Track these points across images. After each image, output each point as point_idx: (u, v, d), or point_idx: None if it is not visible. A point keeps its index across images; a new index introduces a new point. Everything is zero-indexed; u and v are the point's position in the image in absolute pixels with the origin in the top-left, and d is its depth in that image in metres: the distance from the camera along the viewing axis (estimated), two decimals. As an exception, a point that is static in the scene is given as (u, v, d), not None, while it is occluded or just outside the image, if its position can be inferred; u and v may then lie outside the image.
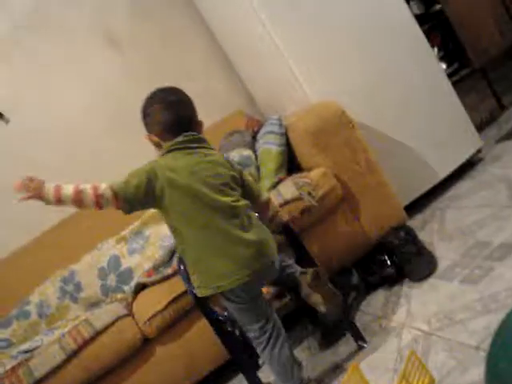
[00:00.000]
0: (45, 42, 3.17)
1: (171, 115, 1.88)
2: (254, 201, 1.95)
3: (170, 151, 1.83)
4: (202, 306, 2.06)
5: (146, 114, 1.93)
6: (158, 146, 1.89)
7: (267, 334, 1.86)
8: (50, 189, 1.70)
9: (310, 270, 1.98)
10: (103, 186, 1.70)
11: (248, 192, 1.92)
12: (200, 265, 1.79)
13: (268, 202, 2.04)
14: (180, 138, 1.84)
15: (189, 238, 1.78)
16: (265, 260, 1.81)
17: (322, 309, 1.94)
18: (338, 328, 2.26)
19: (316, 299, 1.95)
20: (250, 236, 1.80)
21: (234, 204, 1.80)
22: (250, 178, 1.98)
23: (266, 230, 1.89)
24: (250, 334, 1.89)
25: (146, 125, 1.92)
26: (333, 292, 1.98)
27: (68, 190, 1.70)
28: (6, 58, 3.11)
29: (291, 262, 2.04)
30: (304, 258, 2.14)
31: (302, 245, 2.18)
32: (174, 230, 1.81)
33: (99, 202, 1.70)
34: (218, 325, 2.06)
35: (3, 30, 3.11)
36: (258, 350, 1.91)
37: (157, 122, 1.88)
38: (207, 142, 1.94)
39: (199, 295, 1.84)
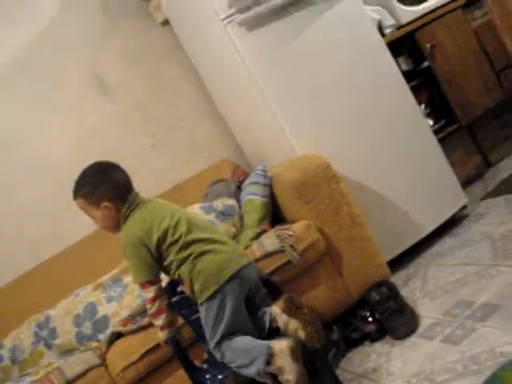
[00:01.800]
0: (35, 84, 3.19)
1: (121, 178, 2.12)
2: None
3: (130, 214, 2.06)
4: (181, 356, 2.03)
5: (94, 182, 2.08)
6: (117, 211, 2.06)
7: None
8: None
9: (283, 297, 1.99)
10: (149, 295, 2.01)
11: None
12: (201, 269, 1.96)
13: None
14: (132, 198, 2.08)
15: (187, 258, 1.97)
16: (245, 259, 2.06)
17: (301, 334, 1.89)
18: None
19: (294, 325, 1.91)
20: (227, 241, 2.11)
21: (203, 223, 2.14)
22: None
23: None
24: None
25: (96, 193, 2.06)
26: (311, 315, 1.93)
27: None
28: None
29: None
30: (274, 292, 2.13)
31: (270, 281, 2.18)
32: (174, 263, 1.99)
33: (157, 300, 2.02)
34: (196, 377, 2.02)
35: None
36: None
37: (110, 187, 2.06)
38: None
39: (201, 300, 1.96)
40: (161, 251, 1.99)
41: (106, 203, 2.04)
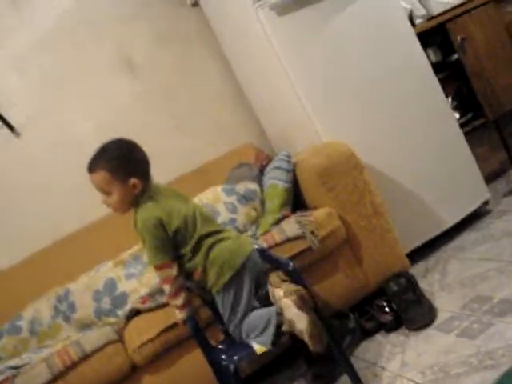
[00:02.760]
0: (63, 60, 3.20)
1: (146, 158, 2.12)
2: None
3: (153, 195, 2.07)
4: (199, 336, 2.04)
5: (124, 157, 2.06)
6: (141, 190, 2.05)
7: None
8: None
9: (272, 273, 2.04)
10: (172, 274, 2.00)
11: None
12: (215, 257, 2.00)
13: None
14: (153, 182, 2.12)
15: (201, 249, 2.01)
16: (251, 245, 2.12)
17: (284, 302, 1.91)
18: (331, 370, 2.23)
19: (278, 294, 1.93)
20: (231, 230, 2.24)
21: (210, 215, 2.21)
22: None
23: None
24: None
25: (126, 168, 2.03)
26: (295, 288, 1.95)
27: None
28: (23, 72, 3.14)
29: None
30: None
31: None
32: (187, 255, 2.01)
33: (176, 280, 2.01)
34: (213, 357, 2.03)
35: (24, 44, 3.14)
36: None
37: (140, 165, 2.08)
38: None
39: (217, 287, 1.99)
40: (177, 239, 2.00)
41: (134, 180, 2.02)
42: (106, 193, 2.04)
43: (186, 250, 2.00)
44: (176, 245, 2.01)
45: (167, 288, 2.01)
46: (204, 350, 2.04)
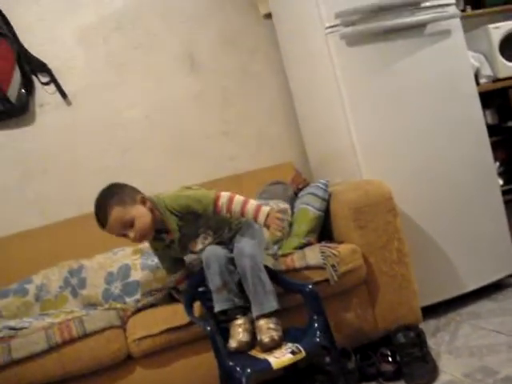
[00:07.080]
0: (130, 42, 3.28)
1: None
2: None
3: None
4: (215, 340, 2.00)
5: (119, 187, 2.21)
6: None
7: None
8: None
9: None
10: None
11: None
12: None
13: None
14: None
15: None
16: None
17: None
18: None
19: None
20: None
21: None
22: None
23: None
24: None
25: (126, 190, 2.19)
26: None
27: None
28: (88, 44, 3.20)
29: None
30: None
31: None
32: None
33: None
34: (224, 364, 1.97)
35: (95, 19, 3.21)
36: None
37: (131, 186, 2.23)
38: None
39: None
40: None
41: (140, 195, 2.18)
42: (129, 224, 2.13)
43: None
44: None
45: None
46: (218, 356, 1.98)
